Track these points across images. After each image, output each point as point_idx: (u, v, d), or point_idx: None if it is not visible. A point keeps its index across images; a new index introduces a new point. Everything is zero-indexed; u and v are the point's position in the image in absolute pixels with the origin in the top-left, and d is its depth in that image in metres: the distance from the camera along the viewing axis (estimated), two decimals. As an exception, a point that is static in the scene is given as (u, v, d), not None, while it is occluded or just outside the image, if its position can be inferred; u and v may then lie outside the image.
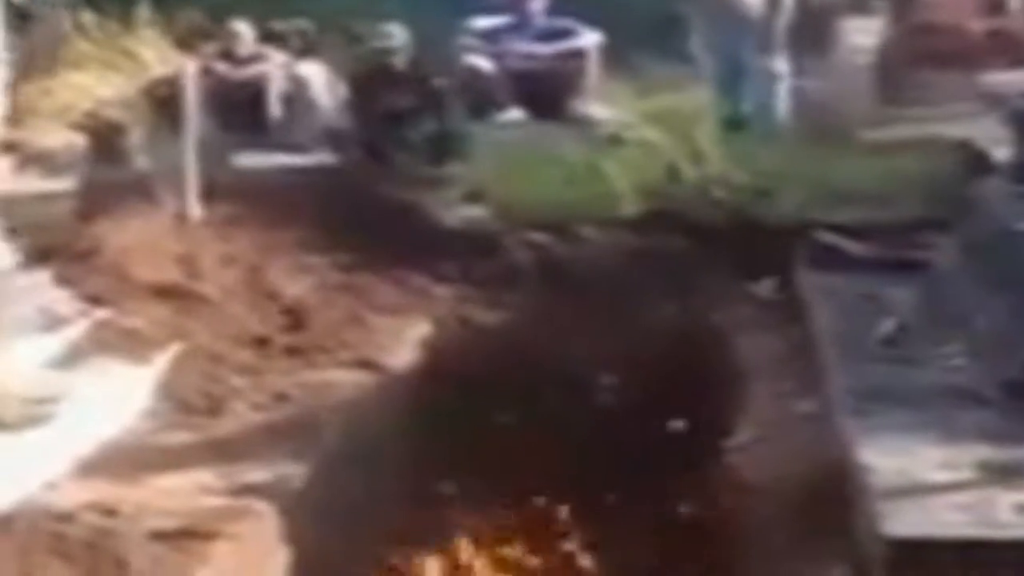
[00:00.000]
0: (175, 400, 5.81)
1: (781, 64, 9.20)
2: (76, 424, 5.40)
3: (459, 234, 7.66)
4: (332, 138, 8.83)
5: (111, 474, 5.13)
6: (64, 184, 8.08)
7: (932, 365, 5.47)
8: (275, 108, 9.24)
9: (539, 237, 7.52)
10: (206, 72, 9.03)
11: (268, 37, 9.83)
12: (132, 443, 5.43)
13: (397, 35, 9.16)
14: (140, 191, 7.86)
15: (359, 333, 6.63)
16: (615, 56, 10.02)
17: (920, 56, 9.42)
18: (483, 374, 6.48)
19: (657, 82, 9.60)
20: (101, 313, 6.43)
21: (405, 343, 6.64)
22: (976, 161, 7.40)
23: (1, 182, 7.83)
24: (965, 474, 4.50)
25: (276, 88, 9.29)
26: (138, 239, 7.34)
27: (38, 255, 6.61)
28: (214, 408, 5.84)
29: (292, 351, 6.43)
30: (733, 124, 8.87)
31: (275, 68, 9.36)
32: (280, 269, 7.22)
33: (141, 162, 8.52)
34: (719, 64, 9.25)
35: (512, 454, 6.16)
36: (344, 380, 6.19)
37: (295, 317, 6.77)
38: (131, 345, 6.20)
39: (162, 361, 6.03)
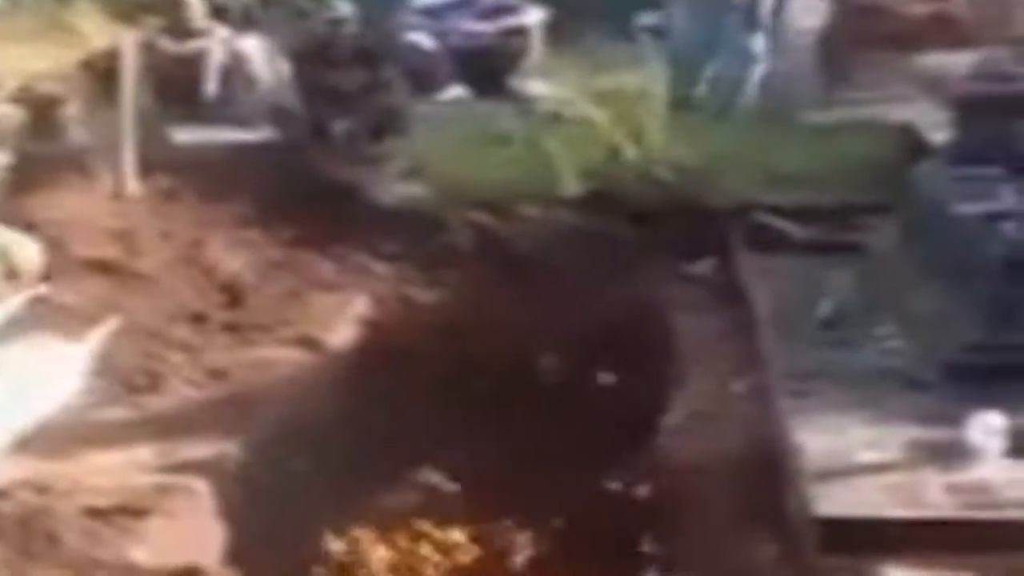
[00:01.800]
0: (112, 376, 5.77)
1: (759, 44, 9.22)
2: (11, 400, 5.34)
3: (399, 212, 7.62)
4: (273, 114, 8.75)
5: (45, 451, 5.10)
6: (-1, 158, 7.98)
7: (868, 347, 5.51)
8: (213, 83, 9.15)
9: (479, 215, 7.50)
10: (147, 46, 8.93)
11: (211, 11, 9.74)
12: (67, 420, 5.39)
13: (341, 11, 9.11)
14: (77, 165, 7.78)
15: (298, 310, 6.59)
16: (562, 34, 10.01)
17: (862, 39, 9.46)
18: (422, 352, 6.46)
19: (604, 61, 9.58)
20: (37, 289, 6.37)
21: (344, 321, 6.61)
22: (916, 144, 7.45)
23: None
24: (896, 455, 4.54)
25: (215, 63, 9.20)
26: (74, 214, 7.26)
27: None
28: (151, 385, 5.80)
29: (230, 328, 6.39)
30: (687, 103, 8.86)
31: (215, 43, 9.26)
32: (218, 245, 7.16)
33: (78, 136, 8.40)
34: (689, 41, 9.26)
35: (451, 433, 6.16)
36: (282, 357, 6.16)
37: (233, 294, 6.72)
38: (67, 321, 6.14)
39: (98, 337, 5.98)
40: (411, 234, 7.41)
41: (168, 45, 9.20)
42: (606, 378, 6.45)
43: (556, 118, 8.77)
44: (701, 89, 9.16)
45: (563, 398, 6.48)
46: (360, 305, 6.80)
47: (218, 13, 9.73)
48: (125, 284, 6.66)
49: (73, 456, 5.10)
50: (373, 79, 8.67)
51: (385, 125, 8.43)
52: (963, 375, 5.03)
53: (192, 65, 9.14)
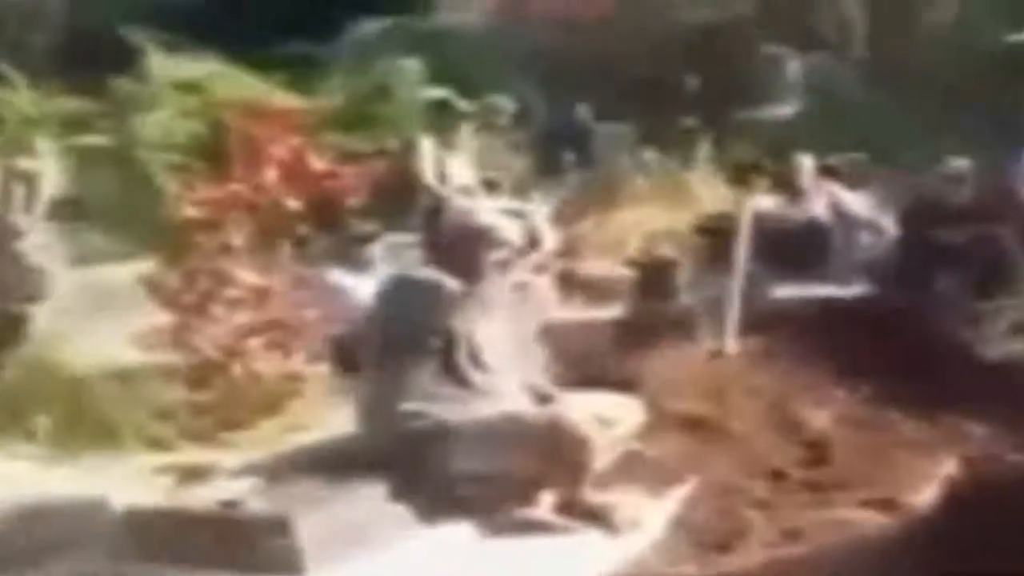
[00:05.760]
0: (687, 534, 5.82)
1: None
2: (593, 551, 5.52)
3: (1001, 370, 7.29)
4: (870, 269, 8.66)
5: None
6: (607, 313, 8.36)
7: None
8: (823, 245, 9.16)
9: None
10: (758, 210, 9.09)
11: (822, 171, 9.83)
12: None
13: (957, 166, 8.94)
14: (680, 325, 8.01)
15: (881, 470, 6.42)
16: None
17: None
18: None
19: None
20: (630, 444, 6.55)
21: (930, 483, 6.35)
22: None
23: (550, 310, 8.18)
24: None
25: (825, 224, 9.23)
26: (674, 371, 7.46)
27: (577, 382, 6.84)
28: (724, 543, 5.80)
29: (810, 486, 6.31)
30: None
31: (820, 202, 9.31)
32: (805, 402, 7.11)
33: (685, 297, 8.67)
34: None
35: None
36: (862, 519, 6.00)
37: (816, 451, 6.65)
38: (654, 475, 6.29)
39: (679, 495, 6.07)
40: (1013, 394, 7.05)
41: (775, 206, 9.34)
42: None
43: None
44: None
45: None
46: (948, 467, 6.51)
47: (828, 173, 9.79)
48: (710, 440, 6.75)
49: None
50: (982, 233, 8.42)
51: (992, 280, 8.13)
52: None
53: (799, 226, 9.23)
